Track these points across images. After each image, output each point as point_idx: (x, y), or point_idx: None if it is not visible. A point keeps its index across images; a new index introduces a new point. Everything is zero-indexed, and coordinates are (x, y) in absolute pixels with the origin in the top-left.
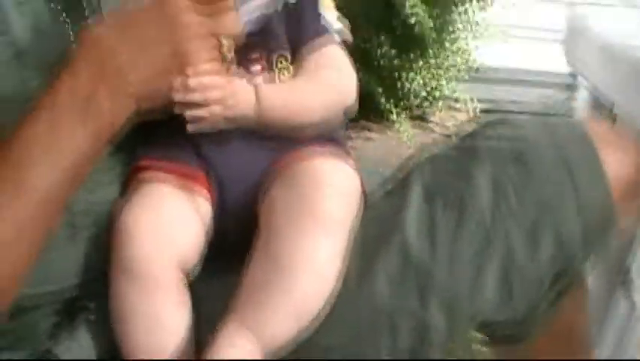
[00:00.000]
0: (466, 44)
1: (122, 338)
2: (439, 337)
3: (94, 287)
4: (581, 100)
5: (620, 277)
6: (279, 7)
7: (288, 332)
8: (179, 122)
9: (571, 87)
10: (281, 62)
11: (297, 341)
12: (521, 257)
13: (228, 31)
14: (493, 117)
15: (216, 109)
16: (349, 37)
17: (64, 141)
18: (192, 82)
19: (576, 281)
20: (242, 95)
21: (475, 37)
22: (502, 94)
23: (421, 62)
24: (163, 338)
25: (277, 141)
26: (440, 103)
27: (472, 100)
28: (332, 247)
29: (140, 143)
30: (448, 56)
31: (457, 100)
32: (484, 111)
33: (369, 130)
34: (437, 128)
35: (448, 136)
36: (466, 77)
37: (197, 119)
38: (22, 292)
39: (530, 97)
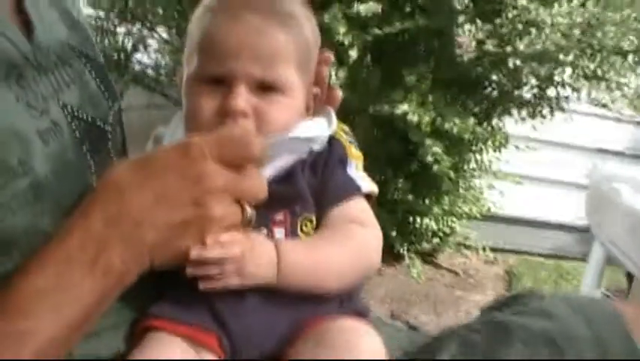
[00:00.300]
0: (481, 191)
1: None
2: None
3: None
4: (595, 254)
5: None
6: (305, 156)
7: None
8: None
9: (583, 233)
10: (306, 226)
11: None
12: None
13: (253, 197)
14: (521, 291)
15: (231, 268)
16: (375, 192)
17: (71, 295)
18: (209, 240)
19: None
20: (261, 254)
21: (489, 185)
22: (514, 237)
23: (435, 208)
24: None
25: (298, 303)
26: (450, 242)
27: (483, 246)
28: None
29: (148, 291)
30: (462, 201)
31: (467, 239)
32: (493, 250)
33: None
34: (445, 265)
35: (457, 274)
36: (477, 220)
37: (210, 278)
38: None
39: (543, 241)
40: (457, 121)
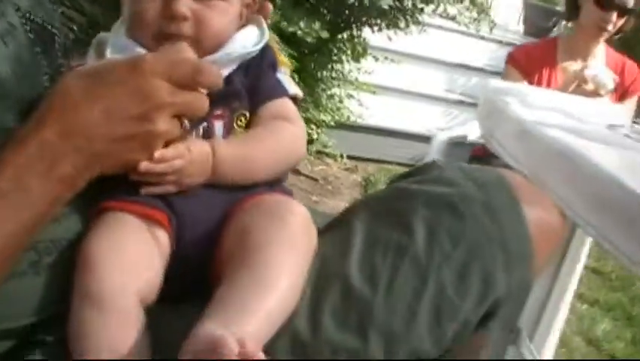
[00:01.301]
0: (340, 100)
1: None
2: None
3: (54, 322)
4: (436, 152)
5: (512, 335)
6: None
7: (263, 333)
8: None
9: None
10: (240, 120)
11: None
12: (452, 297)
13: (195, 113)
14: (422, 164)
15: (172, 178)
16: (300, 96)
17: (28, 198)
18: (157, 155)
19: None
20: (199, 164)
21: (348, 95)
22: (371, 146)
23: None
24: None
25: (228, 190)
26: (310, 150)
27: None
28: (301, 268)
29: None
30: (322, 110)
31: (326, 147)
32: (353, 158)
33: None
34: (305, 172)
35: (315, 180)
36: (336, 128)
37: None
38: None
39: (401, 151)
40: (302, 25)
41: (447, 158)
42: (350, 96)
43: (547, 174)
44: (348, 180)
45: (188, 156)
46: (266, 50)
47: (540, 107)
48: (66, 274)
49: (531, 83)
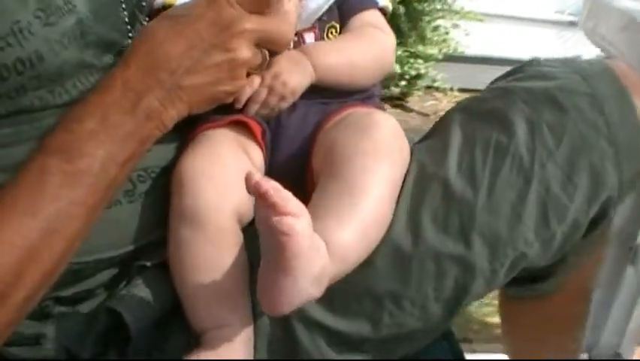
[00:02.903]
0: (446, 32)
1: (182, 282)
2: (483, 277)
3: (153, 248)
4: None
5: (630, 253)
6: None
7: (355, 245)
8: None
9: None
10: (332, 32)
11: (359, 259)
12: (559, 196)
13: (279, 41)
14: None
15: (275, 95)
16: (389, 9)
17: (118, 135)
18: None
19: (605, 233)
20: (294, 63)
21: (454, 25)
22: (481, 77)
23: (399, 51)
24: (222, 280)
25: (327, 99)
26: (419, 85)
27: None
28: (394, 176)
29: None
30: (426, 43)
31: (435, 81)
32: (462, 90)
33: None
34: (416, 109)
35: (426, 115)
36: (444, 61)
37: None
38: (80, 259)
39: None
40: None
41: None
42: (456, 26)
43: None
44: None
45: (285, 66)
46: None
47: None
48: (160, 201)
49: None
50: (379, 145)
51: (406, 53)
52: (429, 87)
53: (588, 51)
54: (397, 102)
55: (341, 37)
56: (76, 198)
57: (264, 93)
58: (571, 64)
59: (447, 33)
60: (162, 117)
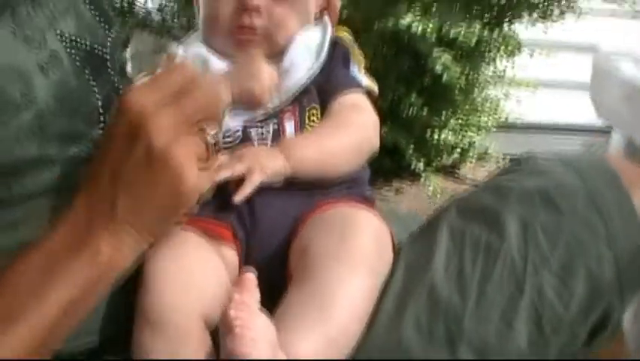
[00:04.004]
0: (497, 101)
1: None
2: None
3: (120, 342)
4: (615, 145)
5: None
6: (317, 71)
7: (322, 355)
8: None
9: (603, 134)
10: (313, 115)
11: None
12: (554, 305)
13: (212, 114)
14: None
15: (255, 177)
16: (375, 90)
17: (61, 278)
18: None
19: (614, 333)
20: (270, 162)
21: (505, 93)
22: (535, 144)
23: (451, 119)
24: None
25: (306, 191)
26: (471, 155)
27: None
28: (370, 287)
29: None
30: (478, 111)
31: (487, 151)
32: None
33: (400, 182)
34: (468, 180)
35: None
36: (496, 130)
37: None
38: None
39: (564, 146)
40: (462, 28)
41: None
42: (507, 95)
43: None
44: None
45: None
46: (336, 45)
47: None
48: (128, 294)
49: None
50: (356, 252)
51: (459, 124)
52: (481, 157)
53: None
54: (450, 172)
55: (318, 129)
56: None
57: (237, 168)
58: (569, 161)
59: (498, 102)
60: (113, 258)
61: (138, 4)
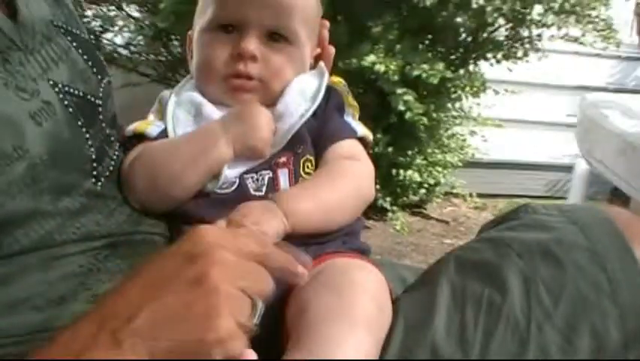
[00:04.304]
0: (463, 139)
1: None
2: None
3: None
4: (578, 180)
5: None
6: (309, 116)
7: None
8: None
9: (568, 169)
10: (307, 167)
11: None
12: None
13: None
14: (516, 206)
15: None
16: (370, 138)
17: None
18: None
19: None
20: (268, 221)
21: (471, 131)
22: (500, 181)
23: (417, 157)
24: None
25: (303, 244)
26: (437, 192)
27: (470, 193)
28: (368, 347)
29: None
30: (444, 149)
31: (454, 187)
32: (480, 196)
33: (367, 219)
34: (435, 215)
35: (446, 222)
36: (462, 167)
37: None
38: None
39: (531, 183)
40: (425, 67)
41: (589, 187)
42: (473, 133)
43: None
44: (479, 218)
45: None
46: (332, 92)
47: None
48: None
49: None
50: (356, 313)
51: (425, 162)
52: (447, 193)
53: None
54: (416, 210)
55: (314, 180)
56: None
57: None
58: (568, 213)
59: (464, 140)
60: None
61: (106, 39)
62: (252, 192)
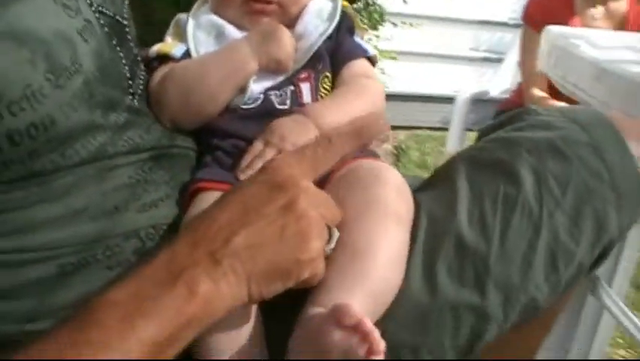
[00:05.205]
0: None
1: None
2: (497, 324)
3: None
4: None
5: (590, 284)
6: (329, 35)
7: (370, 309)
8: (234, 150)
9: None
10: (324, 82)
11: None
12: (567, 243)
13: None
14: (518, 110)
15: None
16: (377, 57)
17: (146, 309)
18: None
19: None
20: (299, 135)
21: None
22: (397, 113)
23: None
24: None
25: None
26: None
27: None
28: (402, 236)
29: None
30: None
31: None
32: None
33: None
34: None
35: None
36: None
37: None
38: None
39: (431, 115)
40: None
41: (471, 115)
42: None
43: (636, 110)
44: (379, 149)
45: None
46: (343, 16)
47: (610, 47)
48: None
49: None
50: (386, 205)
51: None
52: None
53: (499, 85)
54: None
55: (337, 93)
56: None
57: (269, 154)
58: (568, 114)
59: None
60: (211, 298)
61: None
62: (277, 105)
